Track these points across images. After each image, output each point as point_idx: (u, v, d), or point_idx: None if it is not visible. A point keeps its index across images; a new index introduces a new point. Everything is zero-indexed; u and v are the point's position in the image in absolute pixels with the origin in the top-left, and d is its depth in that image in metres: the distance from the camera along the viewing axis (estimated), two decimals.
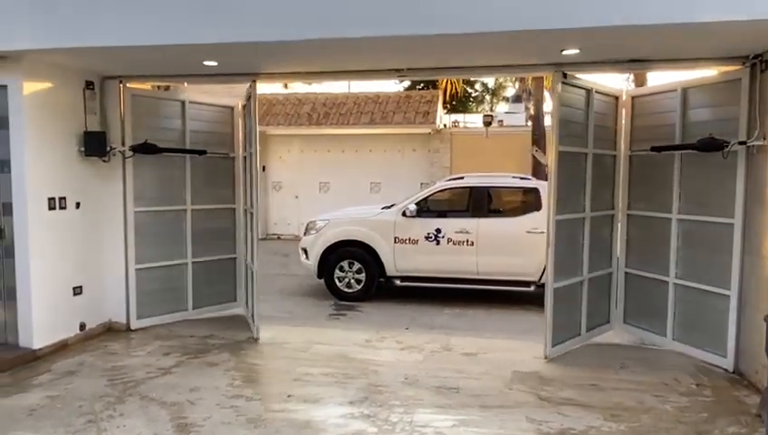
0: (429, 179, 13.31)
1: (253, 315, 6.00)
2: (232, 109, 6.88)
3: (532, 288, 7.72)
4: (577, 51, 4.67)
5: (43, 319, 5.31)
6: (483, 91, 29.73)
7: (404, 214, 8.01)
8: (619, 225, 6.00)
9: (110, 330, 6.10)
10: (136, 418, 4.06)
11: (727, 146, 4.84)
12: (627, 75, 15.48)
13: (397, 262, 8.00)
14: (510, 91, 26.93)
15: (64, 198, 5.53)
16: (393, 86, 24.44)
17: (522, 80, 21.00)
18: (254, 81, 5.81)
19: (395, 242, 7.98)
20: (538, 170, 13.52)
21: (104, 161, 5.85)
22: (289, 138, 15.44)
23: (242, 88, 6.26)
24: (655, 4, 3.80)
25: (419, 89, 21.86)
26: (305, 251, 8.52)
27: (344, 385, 4.69)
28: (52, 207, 5.40)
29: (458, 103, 25.72)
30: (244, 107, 6.55)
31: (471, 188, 8.30)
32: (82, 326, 5.79)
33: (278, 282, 9.41)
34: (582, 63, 5.09)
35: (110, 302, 6.08)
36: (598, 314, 5.90)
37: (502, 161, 13.19)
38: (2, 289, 5.27)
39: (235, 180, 6.86)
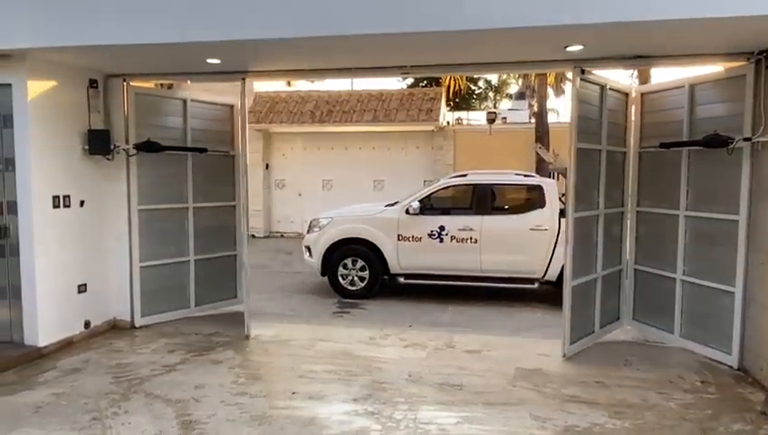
0: (433, 177, 13.30)
1: (246, 311, 5.98)
2: (232, 107, 6.89)
3: (535, 285, 7.72)
4: (581, 47, 4.66)
5: (48, 317, 5.34)
6: (486, 89, 29.69)
7: (407, 211, 8.01)
8: (628, 222, 6.00)
9: (115, 327, 6.14)
10: (141, 415, 4.08)
11: (732, 142, 4.83)
12: (631, 72, 15.44)
13: (400, 259, 8.00)
14: (513, 89, 26.90)
15: (69, 197, 5.55)
16: (396, 83, 24.38)
17: (525, 76, 20.98)
18: (244, 78, 5.82)
19: (398, 239, 7.98)
20: (541, 167, 13.52)
21: (108, 159, 5.87)
22: (292, 135, 15.46)
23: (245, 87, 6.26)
24: None
25: (422, 86, 21.82)
26: (308, 249, 8.53)
27: (348, 382, 4.70)
28: (56, 206, 5.42)
29: (461, 100, 25.69)
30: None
31: (474, 186, 8.29)
32: (87, 324, 5.82)
33: (281, 279, 9.44)
34: (588, 60, 5.07)
35: (114, 300, 6.11)
36: (609, 312, 5.91)
37: (505, 158, 13.19)
38: (7, 287, 5.29)
39: (235, 178, 6.89)
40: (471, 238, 7.79)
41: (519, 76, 23.19)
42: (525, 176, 8.65)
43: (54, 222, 5.41)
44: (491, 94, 29.82)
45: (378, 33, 4.24)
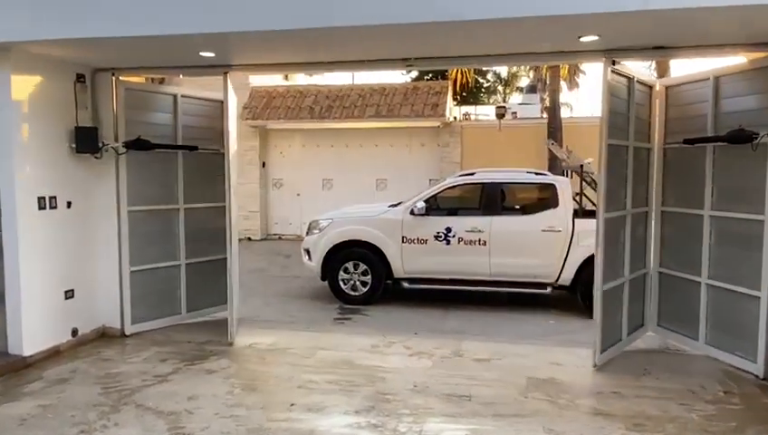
0: (439, 175, 13.30)
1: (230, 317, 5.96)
2: (223, 103, 6.88)
3: (548, 290, 7.70)
4: (596, 37, 4.65)
5: (33, 324, 5.35)
6: (495, 82, 29.69)
7: (412, 212, 7.99)
8: (653, 222, 5.98)
9: (104, 335, 6.14)
10: (131, 428, 4.08)
11: (756, 138, 4.81)
12: (649, 63, 15.40)
13: (404, 263, 7.99)
14: (524, 82, 26.87)
15: (55, 198, 5.56)
16: (400, 77, 24.43)
17: (536, 69, 20.95)
18: (226, 73, 5.82)
19: (402, 242, 7.97)
20: (554, 165, 13.47)
21: (96, 158, 5.88)
22: (290, 132, 15.47)
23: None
24: None
25: (428, 79, 21.86)
26: (308, 252, 8.53)
27: (350, 393, 4.70)
28: (42, 207, 5.43)
29: (469, 94, 25.70)
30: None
31: (483, 185, 8.27)
32: (75, 332, 5.83)
33: (280, 284, 9.45)
34: (606, 51, 5.04)
35: (103, 306, 6.12)
36: (635, 317, 5.88)
37: (516, 155, 13.18)
38: None
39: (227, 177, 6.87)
40: (479, 240, 7.78)
41: (530, 68, 23.15)
42: (537, 174, 8.63)
43: (40, 224, 5.42)
44: (500, 88, 29.82)
45: (383, 24, 4.23)
